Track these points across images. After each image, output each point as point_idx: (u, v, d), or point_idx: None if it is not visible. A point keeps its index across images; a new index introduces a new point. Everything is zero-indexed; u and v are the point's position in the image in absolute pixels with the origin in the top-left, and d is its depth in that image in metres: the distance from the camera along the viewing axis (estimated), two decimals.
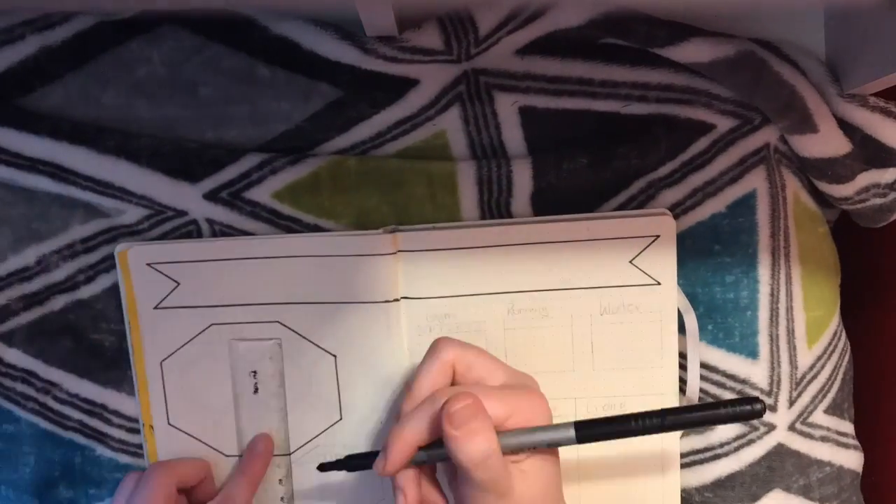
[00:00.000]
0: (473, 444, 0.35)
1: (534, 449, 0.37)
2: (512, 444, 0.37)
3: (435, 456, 0.38)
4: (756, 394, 0.46)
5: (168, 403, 0.46)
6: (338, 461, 0.42)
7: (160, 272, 0.44)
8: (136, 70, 0.44)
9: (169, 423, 0.46)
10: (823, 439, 0.47)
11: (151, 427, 0.46)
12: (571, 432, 0.36)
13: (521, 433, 0.37)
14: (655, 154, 0.44)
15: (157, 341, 0.45)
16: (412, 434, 0.37)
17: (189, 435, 0.46)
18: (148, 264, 0.44)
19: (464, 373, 0.39)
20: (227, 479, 0.46)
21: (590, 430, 0.37)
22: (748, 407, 0.35)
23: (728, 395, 0.46)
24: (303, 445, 0.46)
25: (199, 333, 0.45)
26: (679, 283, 0.45)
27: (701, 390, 0.46)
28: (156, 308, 0.45)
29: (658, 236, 0.44)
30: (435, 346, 0.40)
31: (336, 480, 0.46)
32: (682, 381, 0.46)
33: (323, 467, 0.42)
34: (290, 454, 0.46)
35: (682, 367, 0.46)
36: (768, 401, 0.46)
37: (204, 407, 0.46)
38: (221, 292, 0.45)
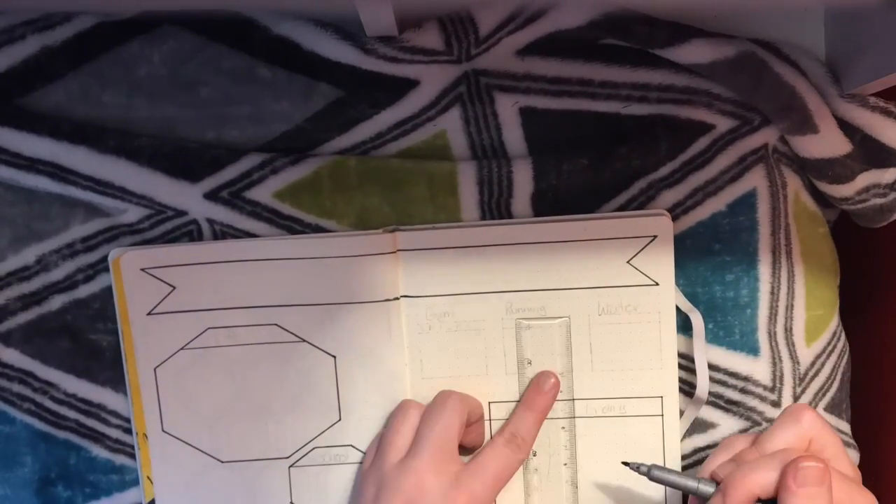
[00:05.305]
0: None
1: None
2: None
3: None
4: (759, 390, 0.46)
5: (162, 410, 0.45)
6: (642, 466, 0.41)
7: (155, 277, 0.44)
8: (136, 70, 0.44)
9: (163, 430, 0.46)
10: None
11: (145, 435, 0.46)
12: None
13: None
14: (656, 154, 0.44)
15: (151, 348, 0.45)
16: (754, 482, 0.37)
17: (184, 442, 0.46)
18: (142, 269, 0.44)
19: (817, 451, 0.38)
20: (512, 416, 0.45)
21: None
22: None
23: (731, 393, 0.46)
24: (301, 447, 0.46)
25: (195, 338, 0.45)
26: (679, 284, 0.45)
27: None
28: (149, 314, 0.45)
29: (655, 236, 0.44)
30: (796, 414, 0.39)
31: (336, 481, 0.46)
32: (682, 382, 0.46)
33: (626, 464, 0.41)
34: (288, 457, 0.46)
35: (682, 367, 0.46)
36: (772, 397, 0.46)
37: (199, 413, 0.46)
38: (218, 295, 0.45)
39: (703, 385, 0.45)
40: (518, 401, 0.46)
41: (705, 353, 0.45)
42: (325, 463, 0.46)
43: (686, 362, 0.46)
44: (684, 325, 0.45)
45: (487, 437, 0.46)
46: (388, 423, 0.44)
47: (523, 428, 0.44)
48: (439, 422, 0.42)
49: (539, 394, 0.45)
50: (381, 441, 0.44)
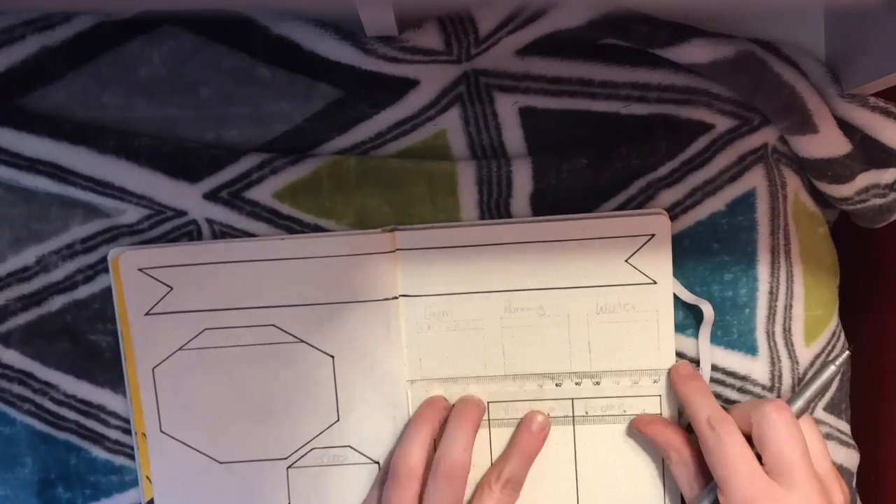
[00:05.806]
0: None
1: None
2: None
3: None
4: (757, 390, 0.45)
5: (160, 411, 0.45)
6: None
7: (152, 277, 0.44)
8: (136, 70, 0.44)
9: (161, 431, 0.46)
10: (828, 436, 0.47)
11: (144, 435, 0.46)
12: None
13: None
14: (655, 154, 0.44)
15: (149, 348, 0.45)
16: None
17: (182, 443, 0.46)
18: (140, 269, 0.44)
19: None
20: (503, 458, 0.45)
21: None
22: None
23: (729, 392, 0.46)
24: (299, 448, 0.46)
25: (193, 338, 0.45)
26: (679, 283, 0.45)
27: None
28: (147, 314, 0.45)
29: (653, 235, 0.44)
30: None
31: (334, 482, 0.46)
32: None
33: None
34: (286, 458, 0.46)
35: None
36: (770, 396, 0.45)
37: (197, 413, 0.46)
38: (216, 296, 0.45)
39: (705, 374, 0.45)
40: (513, 409, 0.46)
41: (709, 344, 0.45)
42: (323, 464, 0.46)
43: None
44: (682, 324, 0.45)
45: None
46: (402, 438, 0.44)
47: (517, 471, 0.44)
48: (455, 448, 0.42)
49: (529, 435, 0.45)
50: (394, 458, 0.43)
